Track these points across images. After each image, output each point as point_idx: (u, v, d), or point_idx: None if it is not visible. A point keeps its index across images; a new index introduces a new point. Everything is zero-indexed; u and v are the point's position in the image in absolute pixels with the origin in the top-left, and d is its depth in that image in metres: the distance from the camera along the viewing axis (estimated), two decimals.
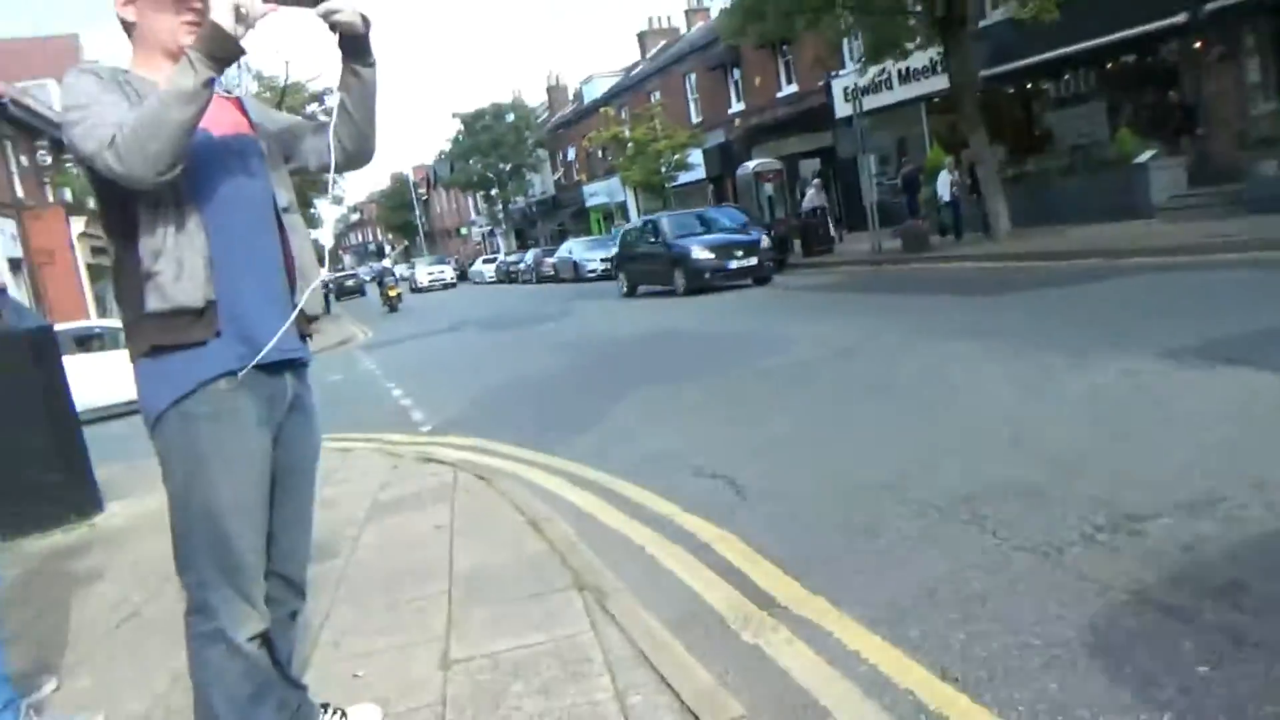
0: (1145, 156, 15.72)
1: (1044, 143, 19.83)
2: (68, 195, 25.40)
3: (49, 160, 25.13)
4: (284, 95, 33.13)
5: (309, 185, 45.41)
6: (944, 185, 18.22)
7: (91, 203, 27.40)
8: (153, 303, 1.94)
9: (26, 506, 5.61)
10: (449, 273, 47.98)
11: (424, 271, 47.79)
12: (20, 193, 23.19)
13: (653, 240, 19.10)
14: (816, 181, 22.62)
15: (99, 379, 11.84)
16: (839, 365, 7.66)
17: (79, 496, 5.80)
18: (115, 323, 16.00)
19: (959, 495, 3.99)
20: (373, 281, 50.49)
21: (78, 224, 24.14)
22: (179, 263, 1.94)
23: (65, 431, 5.81)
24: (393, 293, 31.76)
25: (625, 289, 20.45)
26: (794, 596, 3.27)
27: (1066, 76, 19.02)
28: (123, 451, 8.05)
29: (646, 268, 19.33)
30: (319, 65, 64.53)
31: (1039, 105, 20.10)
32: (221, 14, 1.84)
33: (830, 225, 22.09)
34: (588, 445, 6.23)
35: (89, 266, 25.07)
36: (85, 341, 14.38)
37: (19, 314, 5.94)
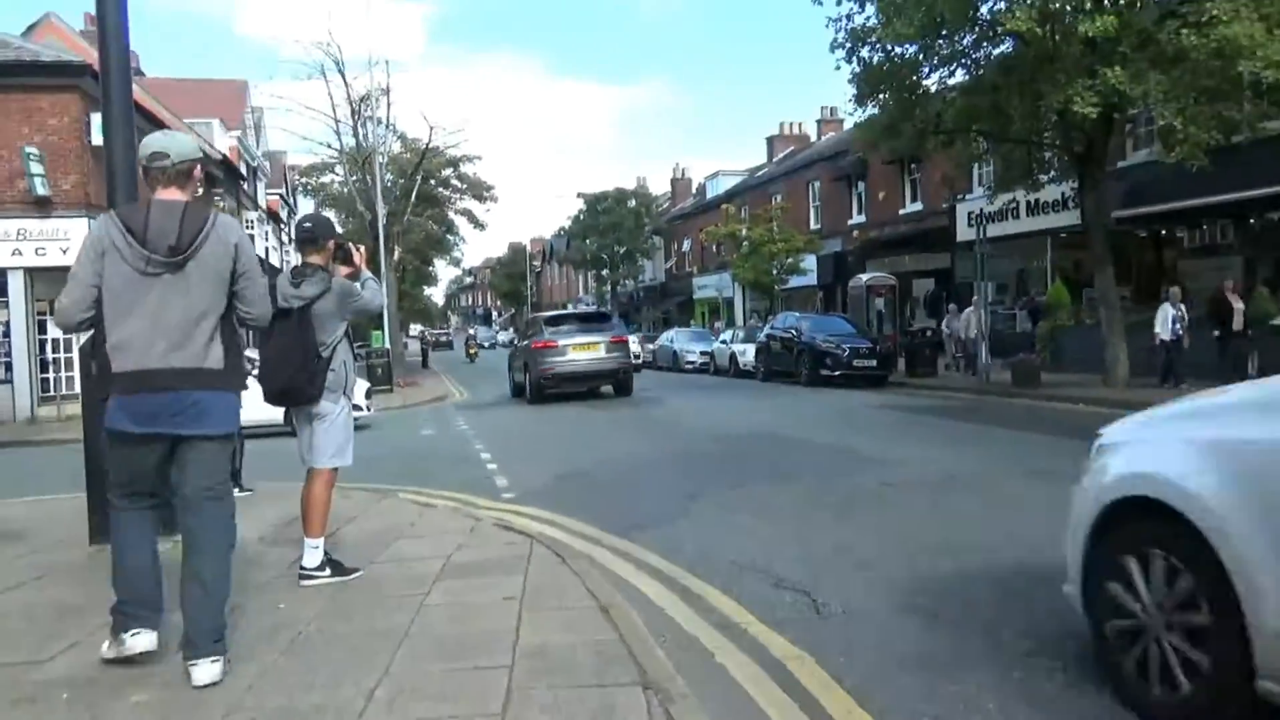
0: None
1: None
2: None
3: (200, 191, 26.90)
4: (424, 157, 34.86)
5: (430, 246, 47.30)
6: (1164, 322, 15.37)
7: None
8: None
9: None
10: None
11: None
12: None
13: (790, 336, 21.78)
14: (975, 301, 19.78)
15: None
16: (936, 492, 7.35)
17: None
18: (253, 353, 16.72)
19: (1071, 654, 3.70)
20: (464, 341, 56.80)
21: None
22: None
23: None
24: (472, 350, 47.53)
25: (762, 375, 23.03)
26: None
27: (1204, 226, 18.41)
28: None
29: (781, 357, 22.16)
30: (462, 131, 67.32)
31: (1171, 252, 19.47)
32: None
33: (983, 353, 18.79)
34: (666, 536, 6.10)
35: None
36: None
37: None
